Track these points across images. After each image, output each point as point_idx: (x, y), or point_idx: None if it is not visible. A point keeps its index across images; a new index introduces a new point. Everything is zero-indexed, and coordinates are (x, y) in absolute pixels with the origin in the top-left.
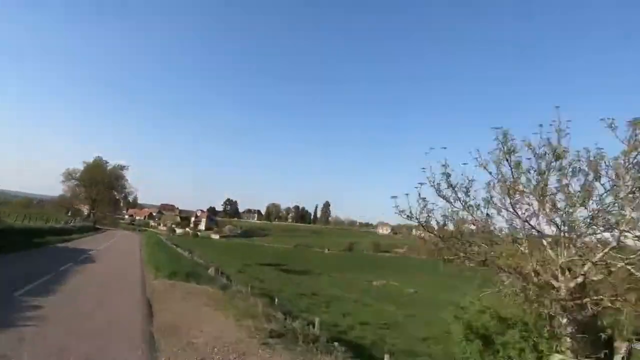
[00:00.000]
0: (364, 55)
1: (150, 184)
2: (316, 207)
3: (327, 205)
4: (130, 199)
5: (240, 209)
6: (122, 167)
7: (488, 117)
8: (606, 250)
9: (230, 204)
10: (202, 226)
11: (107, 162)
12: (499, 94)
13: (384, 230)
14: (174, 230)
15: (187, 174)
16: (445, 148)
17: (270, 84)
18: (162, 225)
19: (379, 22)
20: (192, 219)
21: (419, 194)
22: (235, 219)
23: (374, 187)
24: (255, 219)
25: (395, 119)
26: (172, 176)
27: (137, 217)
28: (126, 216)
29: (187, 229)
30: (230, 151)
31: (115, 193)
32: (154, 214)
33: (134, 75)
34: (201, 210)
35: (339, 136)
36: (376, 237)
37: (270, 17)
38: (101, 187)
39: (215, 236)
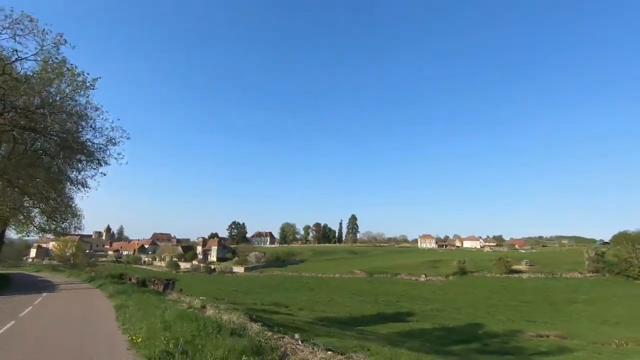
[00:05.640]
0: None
1: (135, 218)
2: (341, 224)
3: (353, 220)
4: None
5: (248, 233)
6: (82, 82)
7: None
8: None
9: (237, 227)
10: (212, 257)
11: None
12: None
13: (427, 244)
14: (177, 265)
15: (176, 200)
16: None
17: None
18: (158, 259)
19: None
20: (199, 248)
21: None
22: (243, 244)
23: (389, 201)
24: (268, 242)
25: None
26: (159, 204)
27: (125, 252)
28: (110, 252)
29: (195, 261)
30: (224, 170)
31: (67, 168)
32: (146, 246)
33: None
34: (203, 237)
35: (349, 148)
36: (475, 254)
37: (273, 51)
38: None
39: (239, 269)
